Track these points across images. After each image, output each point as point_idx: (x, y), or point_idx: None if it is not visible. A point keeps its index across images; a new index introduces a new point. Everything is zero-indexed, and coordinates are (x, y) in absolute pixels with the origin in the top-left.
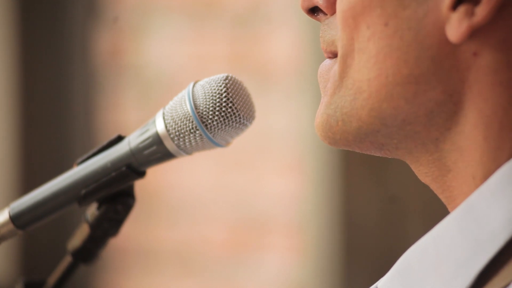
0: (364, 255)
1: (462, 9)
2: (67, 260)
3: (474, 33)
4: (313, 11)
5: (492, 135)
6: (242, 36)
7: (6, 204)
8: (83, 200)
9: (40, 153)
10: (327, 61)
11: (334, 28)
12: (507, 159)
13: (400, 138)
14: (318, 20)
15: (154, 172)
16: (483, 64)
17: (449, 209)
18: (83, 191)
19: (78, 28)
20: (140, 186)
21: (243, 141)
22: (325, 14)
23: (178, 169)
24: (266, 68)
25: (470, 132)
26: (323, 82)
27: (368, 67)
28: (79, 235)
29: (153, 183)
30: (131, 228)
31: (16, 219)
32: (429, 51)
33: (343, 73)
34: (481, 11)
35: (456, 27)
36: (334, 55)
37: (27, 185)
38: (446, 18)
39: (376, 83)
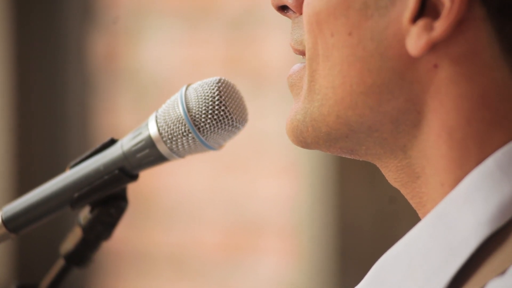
0: (359, 257)
1: (421, 23)
2: (60, 263)
3: (434, 46)
4: (283, 8)
5: (456, 145)
6: (236, 39)
7: (1, 207)
8: (76, 203)
9: (36, 156)
10: (297, 66)
11: (302, 28)
12: (475, 167)
13: (368, 145)
14: (289, 17)
15: (149, 175)
16: (444, 76)
17: (419, 215)
18: (76, 194)
19: (73, 32)
20: (135, 189)
21: (238, 144)
22: (294, 12)
23: (173, 172)
24: (260, 71)
25: (435, 141)
26: (295, 89)
27: (333, 74)
28: (72, 239)
29: (148, 186)
30: (126, 231)
31: (8, 222)
32: (391, 62)
33: (310, 77)
34: (440, 26)
35: (415, 41)
36: (300, 53)
37: (22, 188)
38: (406, 31)
39: (341, 91)
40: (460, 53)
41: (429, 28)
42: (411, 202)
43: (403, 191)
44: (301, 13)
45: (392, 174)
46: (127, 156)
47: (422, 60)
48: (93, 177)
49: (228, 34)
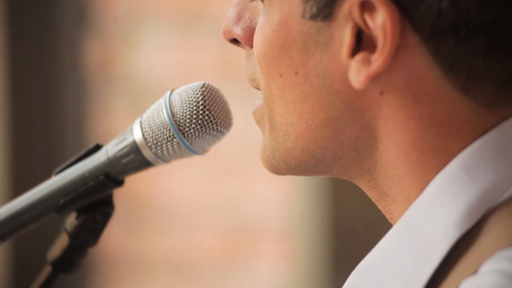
0: (354, 261)
1: (359, 57)
2: (47, 270)
3: (376, 76)
4: (236, 40)
5: (415, 162)
6: (230, 44)
7: None
8: (62, 209)
9: (30, 162)
10: (259, 102)
11: (254, 64)
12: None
13: (338, 170)
14: (242, 47)
15: (146, 180)
16: (392, 102)
17: None
18: (62, 201)
19: (68, 38)
20: (132, 194)
21: (233, 149)
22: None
23: (169, 177)
24: None
25: (394, 162)
26: (261, 126)
27: (289, 112)
28: (59, 245)
29: (145, 191)
30: (123, 236)
31: None
32: (338, 95)
33: (270, 116)
34: (377, 60)
35: (355, 75)
36: (257, 88)
37: (18, 194)
38: (347, 65)
39: (299, 127)
40: (402, 79)
41: (367, 62)
42: (387, 217)
43: (378, 207)
44: (251, 47)
45: (366, 192)
46: (112, 162)
47: (368, 89)
48: (78, 183)
49: (222, 39)
